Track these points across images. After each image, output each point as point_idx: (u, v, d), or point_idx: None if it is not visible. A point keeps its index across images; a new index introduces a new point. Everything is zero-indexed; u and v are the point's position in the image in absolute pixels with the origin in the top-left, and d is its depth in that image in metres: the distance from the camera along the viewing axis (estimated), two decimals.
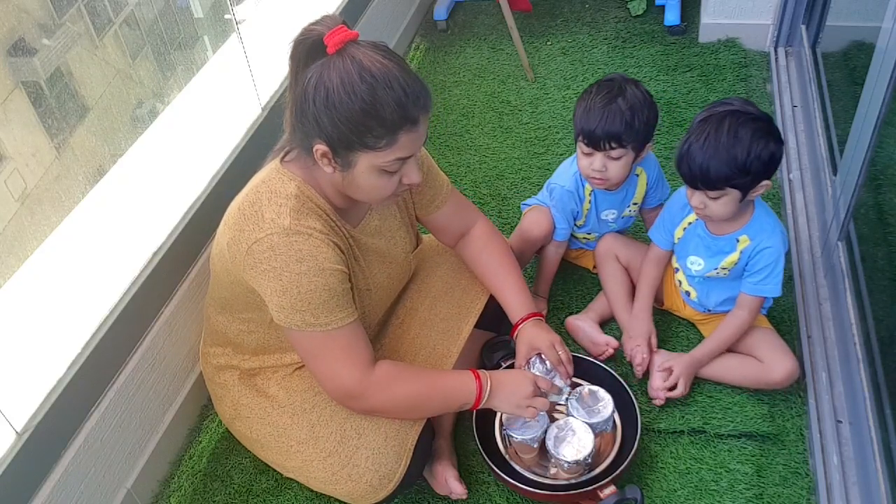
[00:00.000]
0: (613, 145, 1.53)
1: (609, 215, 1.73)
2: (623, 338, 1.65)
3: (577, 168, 1.65)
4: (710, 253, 1.54)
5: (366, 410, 1.31)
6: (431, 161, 1.47)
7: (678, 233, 1.59)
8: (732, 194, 1.41)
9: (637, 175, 1.69)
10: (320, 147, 1.16)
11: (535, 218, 1.75)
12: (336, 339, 1.23)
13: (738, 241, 1.49)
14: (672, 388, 1.54)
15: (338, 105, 1.11)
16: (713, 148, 1.36)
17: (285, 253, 1.17)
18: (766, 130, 1.38)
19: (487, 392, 1.33)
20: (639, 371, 1.59)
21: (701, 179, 1.40)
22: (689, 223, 1.57)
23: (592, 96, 1.53)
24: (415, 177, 1.20)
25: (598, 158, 1.56)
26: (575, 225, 1.75)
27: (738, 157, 1.36)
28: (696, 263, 1.57)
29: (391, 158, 1.15)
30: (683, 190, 1.59)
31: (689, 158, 1.39)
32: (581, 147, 1.58)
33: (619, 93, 1.51)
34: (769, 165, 1.39)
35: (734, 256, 1.50)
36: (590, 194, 1.69)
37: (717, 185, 1.40)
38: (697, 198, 1.45)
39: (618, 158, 1.55)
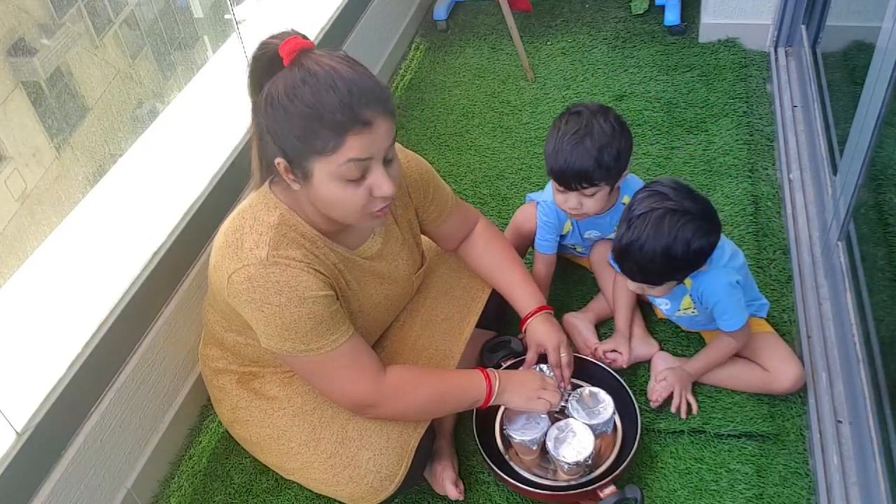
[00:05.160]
0: (585, 185, 1.50)
1: (592, 235, 1.72)
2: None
3: None
4: (669, 296, 1.52)
5: (380, 417, 1.31)
6: (437, 178, 1.45)
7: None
8: (672, 283, 1.42)
9: (624, 203, 1.64)
10: (280, 161, 1.13)
11: (527, 212, 1.75)
12: (336, 360, 1.22)
13: (684, 283, 1.48)
14: (671, 398, 1.54)
15: (283, 112, 1.08)
16: (653, 249, 1.32)
17: (263, 285, 1.15)
18: (708, 226, 1.34)
19: (497, 388, 1.33)
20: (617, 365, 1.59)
21: (640, 277, 1.38)
22: None
23: (560, 135, 1.48)
24: (385, 188, 1.12)
25: (572, 197, 1.53)
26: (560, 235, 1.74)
27: (678, 256, 1.33)
28: (664, 304, 1.56)
29: (342, 161, 1.08)
30: None
31: (627, 257, 1.35)
32: (554, 185, 1.55)
33: (586, 131, 1.46)
34: (707, 254, 1.37)
35: (688, 298, 1.50)
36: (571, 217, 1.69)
37: (656, 282, 1.39)
38: (635, 285, 1.42)
39: (592, 195, 1.53)
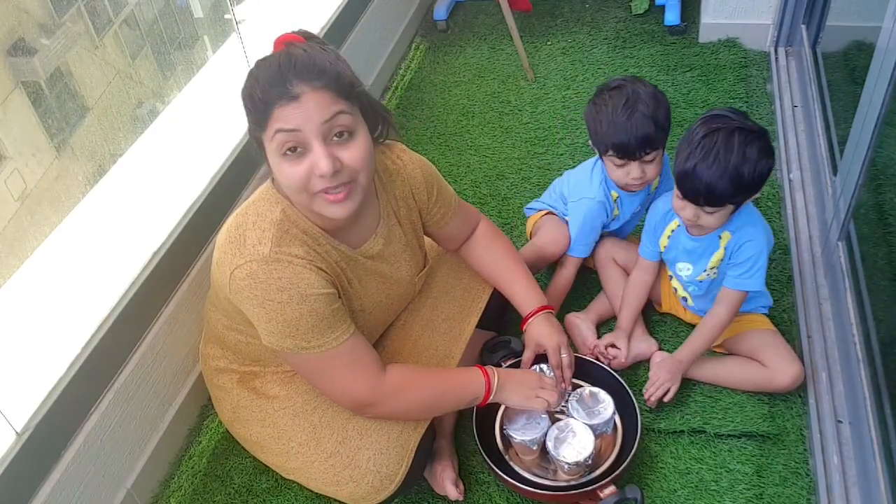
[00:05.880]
0: (648, 150, 1.53)
1: (636, 209, 1.74)
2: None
3: (602, 177, 1.65)
4: (696, 256, 1.53)
5: (379, 416, 1.32)
6: (441, 179, 1.45)
7: (663, 241, 1.59)
8: (728, 208, 1.41)
9: None
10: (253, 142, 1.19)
11: (552, 235, 1.72)
12: (337, 358, 1.22)
13: (720, 237, 1.49)
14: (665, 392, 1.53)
15: (242, 92, 1.15)
16: (721, 168, 1.34)
17: (265, 281, 1.15)
18: (768, 147, 1.37)
19: (496, 385, 1.33)
20: (615, 364, 1.59)
21: (705, 197, 1.38)
22: (672, 230, 1.56)
23: (611, 109, 1.51)
24: (322, 165, 1.09)
25: (634, 167, 1.56)
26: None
27: (745, 176, 1.35)
28: (685, 269, 1.57)
29: (272, 133, 1.10)
30: (661, 201, 1.59)
31: (694, 177, 1.36)
32: (613, 160, 1.57)
33: (635, 98, 1.50)
34: (766, 179, 1.39)
35: (719, 253, 1.50)
36: (616, 200, 1.69)
37: (720, 203, 1.39)
38: (691, 211, 1.42)
39: (652, 160, 1.56)
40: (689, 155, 1.37)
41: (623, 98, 1.51)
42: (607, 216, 1.69)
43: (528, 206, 1.88)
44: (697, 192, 1.38)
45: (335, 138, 1.12)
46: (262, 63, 1.13)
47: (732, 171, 1.34)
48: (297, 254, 1.18)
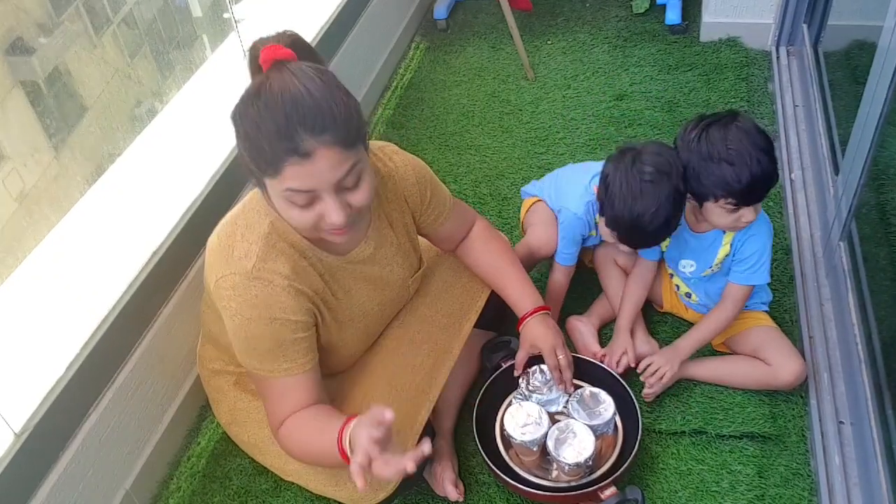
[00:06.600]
0: (652, 244, 1.51)
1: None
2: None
3: (592, 199, 1.59)
4: (700, 252, 1.53)
5: None
6: (436, 181, 1.43)
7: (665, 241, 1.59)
8: None
9: None
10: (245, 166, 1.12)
11: (543, 236, 1.70)
12: (271, 387, 1.23)
13: (724, 233, 1.48)
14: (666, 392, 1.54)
15: (236, 124, 1.06)
16: (766, 156, 1.34)
17: (242, 296, 1.16)
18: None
19: (350, 450, 1.12)
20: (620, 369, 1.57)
21: (767, 188, 1.38)
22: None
23: (638, 208, 1.39)
24: (334, 218, 1.07)
25: (627, 248, 1.52)
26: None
27: (773, 151, 1.37)
28: (688, 266, 1.56)
29: (282, 188, 1.05)
30: None
31: (758, 182, 1.34)
32: (611, 231, 1.49)
33: (667, 206, 1.38)
34: None
35: (725, 249, 1.49)
36: (597, 223, 1.65)
37: (775, 181, 1.39)
38: (752, 213, 1.40)
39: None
40: (738, 175, 1.34)
41: (654, 203, 1.38)
42: (585, 232, 1.67)
43: (525, 188, 1.86)
44: (761, 192, 1.38)
45: (346, 186, 1.09)
46: (260, 105, 1.02)
47: (770, 150, 1.35)
48: (280, 272, 1.18)
